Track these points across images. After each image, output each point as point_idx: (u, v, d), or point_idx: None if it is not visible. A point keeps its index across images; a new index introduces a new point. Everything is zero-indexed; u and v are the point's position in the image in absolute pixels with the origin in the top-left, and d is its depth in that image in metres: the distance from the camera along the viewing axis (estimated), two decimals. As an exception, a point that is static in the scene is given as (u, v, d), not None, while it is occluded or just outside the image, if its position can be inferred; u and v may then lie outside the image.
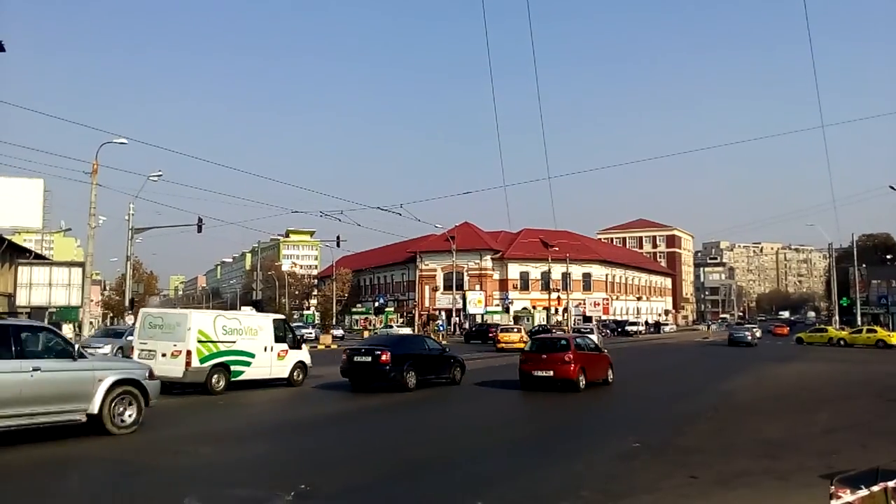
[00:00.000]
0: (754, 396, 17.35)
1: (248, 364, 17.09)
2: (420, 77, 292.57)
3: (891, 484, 3.71)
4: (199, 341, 15.91)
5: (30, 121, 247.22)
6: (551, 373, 17.08)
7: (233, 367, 16.66)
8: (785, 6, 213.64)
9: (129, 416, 10.17)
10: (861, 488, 3.70)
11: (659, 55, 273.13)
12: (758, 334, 50.38)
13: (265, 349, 17.68)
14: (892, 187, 44.72)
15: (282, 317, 21.01)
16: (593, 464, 8.78)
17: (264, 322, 18.30)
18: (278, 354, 18.13)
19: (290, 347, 18.66)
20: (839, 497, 3.71)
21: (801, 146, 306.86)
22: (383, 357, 17.29)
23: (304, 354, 19.21)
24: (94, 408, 9.66)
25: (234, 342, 16.82)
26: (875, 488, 3.70)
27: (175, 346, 15.70)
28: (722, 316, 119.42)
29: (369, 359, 17.52)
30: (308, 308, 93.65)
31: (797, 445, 10.02)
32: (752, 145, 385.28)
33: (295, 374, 18.61)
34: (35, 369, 8.88)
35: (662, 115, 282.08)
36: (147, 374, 10.66)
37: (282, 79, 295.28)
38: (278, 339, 18.24)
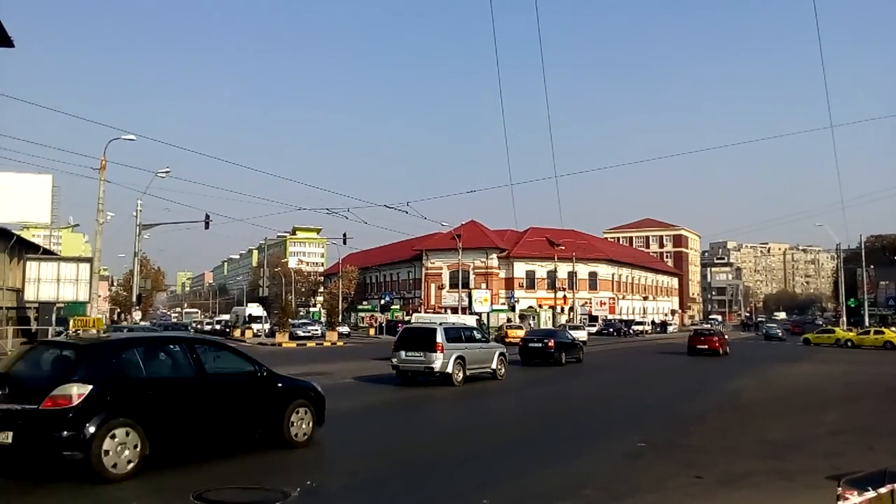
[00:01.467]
0: (760, 397, 17.30)
1: None
2: (427, 75, 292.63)
3: (898, 486, 3.69)
4: None
5: (39, 117, 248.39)
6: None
7: None
8: (795, 7, 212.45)
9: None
10: (868, 490, 3.67)
11: (667, 55, 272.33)
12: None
13: None
14: (901, 188, 44.43)
15: None
16: (598, 463, 8.77)
17: None
18: None
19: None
20: (846, 499, 3.68)
21: (810, 146, 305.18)
22: (550, 343, 26.09)
23: None
24: None
25: None
26: (882, 490, 3.67)
27: None
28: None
29: (540, 345, 26.17)
30: (314, 305, 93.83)
31: (803, 446, 9.98)
32: (761, 145, 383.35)
33: None
34: None
35: (670, 114, 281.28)
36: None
37: (289, 76, 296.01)
38: None
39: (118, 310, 70.45)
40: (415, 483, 7.77)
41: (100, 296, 42.64)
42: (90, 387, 6.98)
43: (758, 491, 7.28)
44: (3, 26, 22.58)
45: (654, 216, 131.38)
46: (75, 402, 6.82)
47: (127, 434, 7.12)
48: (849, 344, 47.13)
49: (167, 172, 36.49)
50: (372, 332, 65.89)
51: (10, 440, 6.73)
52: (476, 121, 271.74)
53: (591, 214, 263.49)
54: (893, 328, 54.48)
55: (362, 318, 76.42)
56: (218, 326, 67.42)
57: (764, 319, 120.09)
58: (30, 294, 34.95)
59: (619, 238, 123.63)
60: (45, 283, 34.30)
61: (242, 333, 54.66)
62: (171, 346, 8.67)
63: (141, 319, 42.00)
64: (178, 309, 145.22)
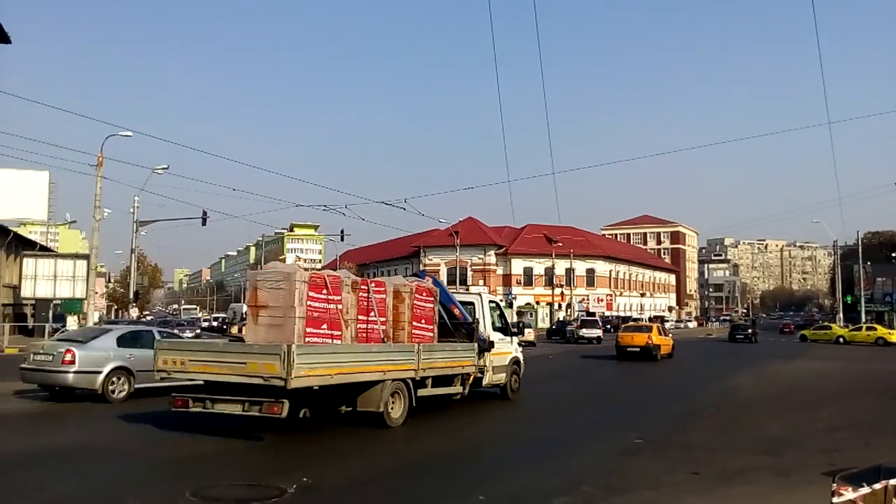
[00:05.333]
0: (757, 393, 17.34)
1: None
2: (424, 72, 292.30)
3: (892, 482, 3.70)
4: None
5: (35, 113, 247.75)
6: None
7: None
8: (792, 3, 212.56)
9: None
10: (863, 486, 3.70)
11: (664, 51, 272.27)
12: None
13: None
14: (897, 185, 44.47)
15: None
16: (594, 459, 8.79)
17: None
18: None
19: None
20: (841, 494, 3.71)
21: (807, 143, 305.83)
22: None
23: None
24: None
25: None
26: (877, 486, 3.70)
27: None
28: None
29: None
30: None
31: (799, 442, 10.02)
32: (758, 142, 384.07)
33: None
34: None
35: (667, 111, 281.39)
36: None
37: (287, 73, 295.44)
38: None
39: (115, 306, 70.32)
40: (411, 480, 7.78)
41: (96, 292, 42.56)
42: None
43: (754, 487, 7.30)
44: (-1, 23, 22.50)
45: (652, 213, 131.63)
46: None
47: None
48: (840, 340, 47.17)
49: (165, 169, 36.40)
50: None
51: None
52: (474, 117, 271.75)
53: (589, 211, 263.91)
54: (889, 325, 54.75)
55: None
56: (215, 323, 67.35)
57: (765, 316, 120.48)
58: (26, 291, 34.90)
59: (616, 235, 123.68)
60: (41, 279, 34.26)
61: (240, 330, 54.56)
62: None
63: (138, 316, 41.98)
64: (176, 306, 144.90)
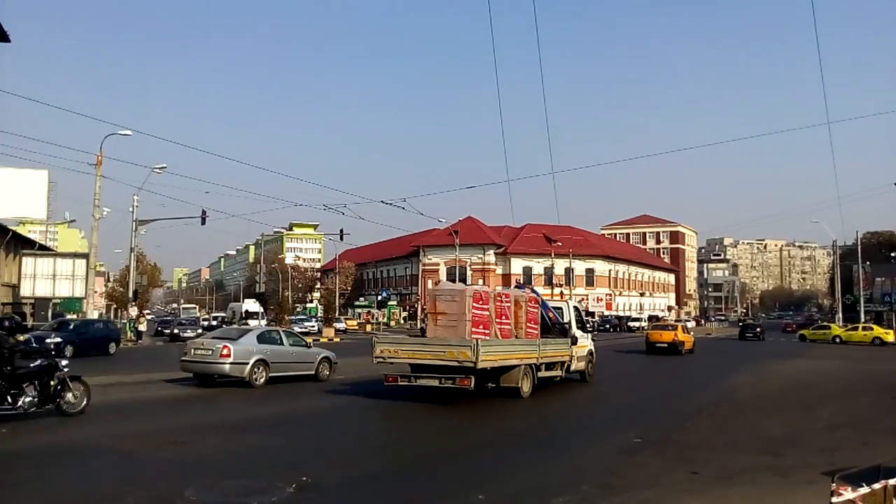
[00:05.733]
0: (756, 393, 17.35)
1: None
2: (424, 71, 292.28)
3: (892, 481, 3.70)
4: None
5: (34, 112, 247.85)
6: None
7: None
8: (792, 2, 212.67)
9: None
10: (862, 486, 3.70)
11: (663, 51, 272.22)
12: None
13: None
14: (897, 184, 44.52)
15: None
16: (594, 458, 8.79)
17: None
18: None
19: None
20: (840, 494, 3.71)
21: (807, 143, 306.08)
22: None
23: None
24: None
25: None
26: (876, 486, 3.69)
27: None
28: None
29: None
30: (311, 301, 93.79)
31: (799, 442, 10.02)
32: (757, 141, 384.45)
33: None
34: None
35: (667, 110, 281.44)
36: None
37: (285, 71, 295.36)
38: None
39: (115, 305, 70.26)
40: (410, 479, 7.78)
41: (96, 291, 42.62)
42: None
43: (753, 486, 7.31)
44: (-2, 21, 22.46)
45: (651, 213, 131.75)
46: None
47: None
48: (836, 340, 47.15)
49: (163, 168, 36.40)
50: (369, 328, 65.85)
51: None
52: (473, 117, 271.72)
53: (589, 211, 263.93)
54: (887, 324, 54.77)
55: (359, 314, 76.31)
56: (214, 322, 67.32)
57: (763, 316, 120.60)
58: (26, 290, 34.91)
59: (616, 234, 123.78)
60: (41, 278, 34.30)
61: (239, 329, 54.53)
62: None
63: (138, 316, 41.93)
64: (175, 305, 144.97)
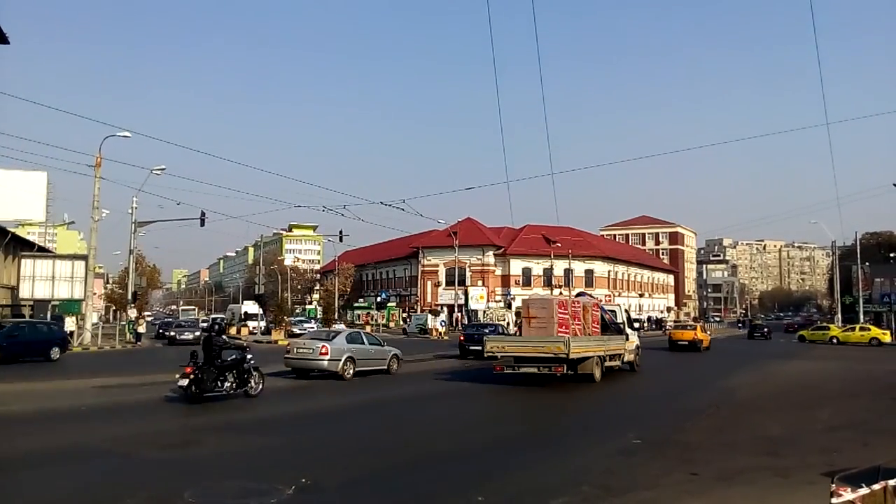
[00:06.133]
0: (756, 393, 17.34)
1: None
2: (423, 71, 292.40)
3: (891, 482, 3.71)
4: None
5: (33, 113, 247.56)
6: None
7: None
8: (791, 2, 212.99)
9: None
10: (862, 486, 3.70)
11: (662, 52, 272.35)
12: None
13: None
14: (896, 185, 44.60)
15: None
16: (593, 459, 8.79)
17: None
18: None
19: None
20: (840, 495, 3.71)
21: (806, 143, 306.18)
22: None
23: None
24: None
25: None
26: (876, 486, 3.70)
27: None
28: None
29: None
30: (310, 303, 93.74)
31: (798, 443, 10.02)
32: (756, 142, 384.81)
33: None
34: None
35: (666, 111, 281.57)
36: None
37: (285, 73, 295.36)
38: None
39: (114, 307, 70.18)
40: (410, 479, 7.77)
41: (95, 293, 42.55)
42: None
43: (753, 487, 7.31)
44: (-3, 23, 22.48)
45: (650, 213, 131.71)
46: None
47: None
48: (834, 341, 47.10)
49: (162, 170, 36.39)
50: (368, 329, 65.76)
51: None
52: (473, 118, 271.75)
53: (588, 212, 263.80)
54: (885, 325, 54.75)
55: (358, 315, 76.25)
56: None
57: (756, 317, 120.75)
58: (25, 292, 34.83)
59: (615, 235, 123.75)
60: (40, 280, 34.22)
61: (238, 331, 54.58)
62: None
63: (137, 317, 41.84)
64: (174, 307, 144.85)
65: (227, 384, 13.82)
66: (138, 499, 6.54)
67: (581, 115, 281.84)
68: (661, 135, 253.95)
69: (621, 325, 22.03)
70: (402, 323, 71.21)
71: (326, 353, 18.59)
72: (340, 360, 18.72)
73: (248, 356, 14.40)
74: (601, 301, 27.09)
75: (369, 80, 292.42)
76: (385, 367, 20.72)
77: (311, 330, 51.80)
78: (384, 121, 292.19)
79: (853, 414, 13.66)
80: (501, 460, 8.81)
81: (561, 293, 75.36)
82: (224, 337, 14.68)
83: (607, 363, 19.42)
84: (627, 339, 21.71)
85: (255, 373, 14.53)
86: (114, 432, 10.23)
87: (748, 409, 14.27)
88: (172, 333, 40.16)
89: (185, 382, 13.12)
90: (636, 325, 28.09)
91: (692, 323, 46.13)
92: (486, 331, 28.87)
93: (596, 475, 7.77)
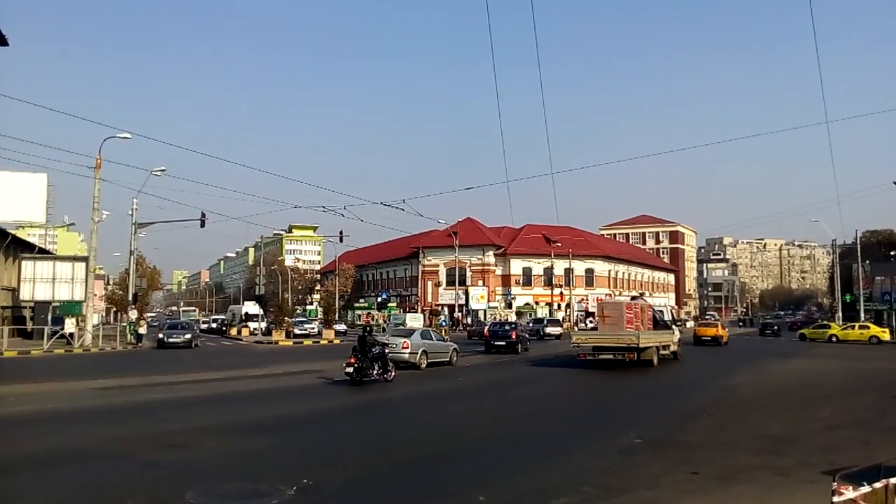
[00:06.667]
0: (756, 392, 17.33)
1: None
2: (423, 72, 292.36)
3: (893, 481, 3.70)
4: None
5: (33, 115, 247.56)
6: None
7: None
8: (791, 2, 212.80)
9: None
10: (863, 485, 3.69)
11: (662, 51, 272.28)
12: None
13: None
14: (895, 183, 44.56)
15: None
16: (594, 459, 8.77)
17: None
18: None
19: None
20: (841, 493, 3.70)
21: (806, 142, 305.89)
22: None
23: None
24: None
25: None
26: (877, 485, 3.69)
27: None
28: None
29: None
30: (311, 303, 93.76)
31: (799, 442, 10.01)
32: (756, 141, 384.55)
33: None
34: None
35: (666, 111, 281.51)
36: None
37: (284, 74, 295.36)
38: None
39: (114, 309, 70.19)
40: (411, 480, 7.77)
41: (95, 295, 42.52)
42: None
43: (754, 486, 7.30)
44: (-4, 25, 22.48)
45: (651, 212, 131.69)
46: None
47: None
48: (833, 339, 47.03)
49: (163, 171, 36.39)
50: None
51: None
52: (473, 118, 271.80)
53: (588, 211, 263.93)
54: (886, 323, 54.69)
55: (359, 315, 76.20)
56: (214, 325, 67.24)
57: (764, 316, 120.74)
58: (25, 293, 34.83)
59: (615, 234, 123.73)
60: (40, 282, 34.20)
61: (239, 332, 54.55)
62: None
63: (138, 318, 41.79)
64: (175, 308, 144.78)
65: (374, 371, 17.68)
66: (137, 500, 6.52)
67: (581, 115, 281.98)
68: (660, 134, 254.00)
69: (669, 323, 28.60)
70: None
71: (407, 347, 21.93)
72: (417, 353, 22.26)
73: (387, 351, 18.57)
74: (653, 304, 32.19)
75: (369, 81, 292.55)
76: (448, 360, 24.39)
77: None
78: (383, 121, 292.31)
79: (854, 412, 13.65)
80: (506, 459, 8.81)
81: (561, 293, 75.56)
82: (373, 337, 18.60)
83: (661, 352, 24.48)
84: (673, 333, 27.19)
85: (390, 363, 18.39)
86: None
87: (749, 408, 14.26)
88: (162, 336, 36.46)
89: (350, 370, 17.03)
90: (678, 323, 35.48)
91: (714, 322, 53.07)
92: (507, 328, 34.15)
93: (596, 475, 7.75)
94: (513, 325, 35.85)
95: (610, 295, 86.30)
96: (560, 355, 28.13)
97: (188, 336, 36.69)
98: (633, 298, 29.89)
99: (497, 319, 58.63)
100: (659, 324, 26.15)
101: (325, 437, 10.54)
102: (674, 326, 28.04)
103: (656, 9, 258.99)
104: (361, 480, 7.60)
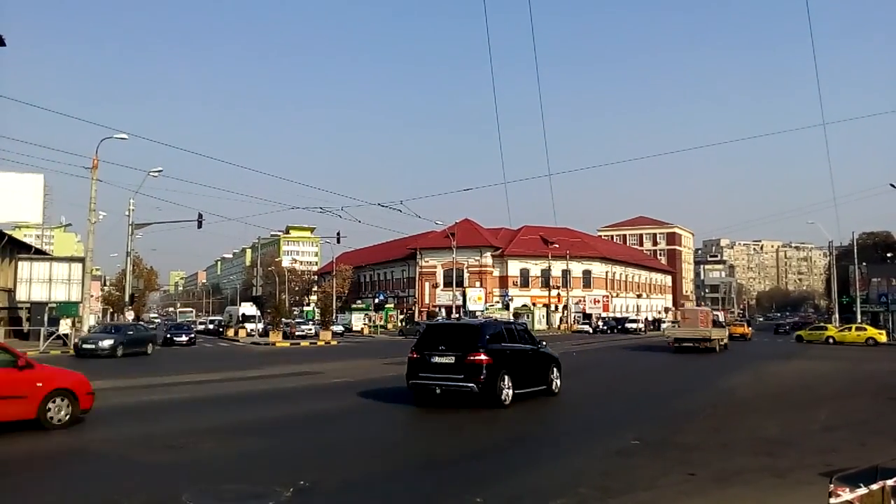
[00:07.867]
0: (753, 394, 17.35)
1: None
2: (420, 73, 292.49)
3: (889, 482, 3.70)
4: None
5: (30, 116, 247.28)
6: None
7: None
8: (788, 3, 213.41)
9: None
10: (860, 486, 3.69)
11: (659, 52, 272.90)
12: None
13: None
14: (892, 185, 44.74)
15: None
16: (591, 461, 8.76)
17: None
18: None
19: None
20: (838, 495, 3.70)
21: (802, 144, 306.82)
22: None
23: None
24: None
25: None
26: (874, 487, 3.69)
27: None
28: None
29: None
30: (308, 304, 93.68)
31: (796, 443, 10.01)
32: (753, 143, 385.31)
33: None
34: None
35: (663, 112, 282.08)
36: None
37: (282, 74, 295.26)
38: None
39: (111, 310, 70.07)
40: (409, 482, 7.76)
41: (92, 296, 42.44)
42: None
43: (751, 488, 7.30)
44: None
45: (648, 214, 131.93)
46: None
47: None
48: (830, 341, 47.11)
49: (160, 172, 36.35)
50: (366, 331, 65.73)
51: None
52: (470, 119, 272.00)
53: (585, 212, 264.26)
54: (882, 325, 54.78)
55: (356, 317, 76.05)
56: (211, 326, 67.17)
57: (762, 317, 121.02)
58: (21, 294, 34.74)
59: (612, 236, 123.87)
60: (36, 283, 34.11)
61: (236, 333, 54.50)
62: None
63: (134, 319, 42.00)
64: (171, 308, 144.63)
65: None
66: (135, 501, 6.50)
67: (578, 116, 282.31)
68: (658, 135, 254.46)
69: (722, 323, 41.33)
70: (399, 325, 71.19)
71: None
72: None
73: None
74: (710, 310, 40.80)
75: (367, 82, 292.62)
76: None
77: (308, 330, 51.87)
78: (381, 122, 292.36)
79: (850, 414, 13.66)
80: (508, 458, 8.81)
81: (559, 294, 75.66)
82: None
83: (722, 342, 35.94)
84: (725, 330, 39.32)
85: None
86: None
87: (746, 410, 14.26)
88: (169, 335, 43.25)
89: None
90: (723, 322, 43.54)
91: (740, 321, 67.93)
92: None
93: (593, 477, 7.75)
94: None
95: (607, 297, 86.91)
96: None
97: (192, 335, 43.54)
98: (697, 306, 44.86)
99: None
100: (716, 324, 36.43)
101: (324, 439, 10.51)
102: (724, 327, 40.23)
103: (655, 10, 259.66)
104: (359, 482, 7.59)
